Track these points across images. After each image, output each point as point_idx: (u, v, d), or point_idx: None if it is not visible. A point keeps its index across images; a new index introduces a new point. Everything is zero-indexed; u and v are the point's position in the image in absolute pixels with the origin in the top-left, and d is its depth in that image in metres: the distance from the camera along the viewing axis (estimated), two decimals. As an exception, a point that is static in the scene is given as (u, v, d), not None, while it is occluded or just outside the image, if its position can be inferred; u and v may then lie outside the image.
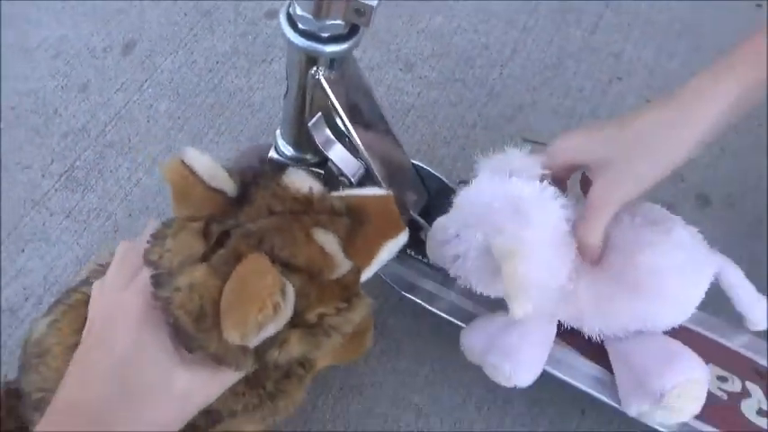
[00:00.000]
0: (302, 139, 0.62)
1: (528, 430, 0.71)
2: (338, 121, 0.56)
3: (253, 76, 0.98)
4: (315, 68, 0.52)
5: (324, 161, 0.61)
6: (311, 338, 0.44)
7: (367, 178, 0.59)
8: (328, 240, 0.44)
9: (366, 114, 0.59)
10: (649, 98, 0.96)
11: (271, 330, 0.39)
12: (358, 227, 0.47)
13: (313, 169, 0.65)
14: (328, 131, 0.57)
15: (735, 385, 0.62)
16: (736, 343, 0.65)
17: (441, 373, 0.74)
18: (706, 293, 0.79)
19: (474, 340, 0.62)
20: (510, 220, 0.52)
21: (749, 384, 0.62)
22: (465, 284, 0.58)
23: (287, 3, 0.51)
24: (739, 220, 0.84)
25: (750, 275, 0.80)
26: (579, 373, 0.62)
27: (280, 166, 0.54)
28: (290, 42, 0.50)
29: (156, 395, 0.41)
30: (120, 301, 0.43)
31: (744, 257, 0.81)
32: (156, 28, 1.03)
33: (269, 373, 0.51)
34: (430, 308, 0.65)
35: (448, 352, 0.75)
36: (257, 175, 0.47)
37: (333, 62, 0.53)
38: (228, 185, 0.45)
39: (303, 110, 0.58)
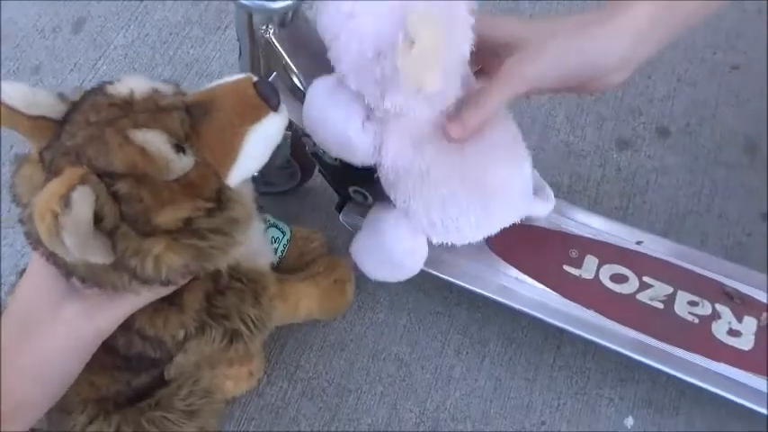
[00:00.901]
0: None
1: (506, 369, 0.73)
2: (294, 79, 0.55)
3: (208, 44, 0.97)
4: (264, 27, 0.52)
5: (290, 125, 0.61)
6: (183, 245, 0.43)
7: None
8: (151, 139, 0.41)
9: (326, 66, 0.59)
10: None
11: (69, 240, 0.37)
12: (206, 119, 0.44)
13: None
14: (286, 91, 0.57)
15: (705, 308, 0.64)
16: (703, 267, 0.67)
17: (417, 321, 0.76)
18: (669, 222, 0.82)
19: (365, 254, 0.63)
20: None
21: (719, 306, 0.64)
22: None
23: None
24: (699, 149, 0.86)
25: (711, 201, 0.83)
26: (550, 309, 0.63)
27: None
28: (237, 3, 0.50)
29: (46, 325, 0.44)
30: (30, 263, 0.47)
31: (705, 184, 0.84)
32: (105, 3, 1.00)
33: (198, 294, 0.51)
34: None
35: (423, 300, 0.77)
36: (86, 92, 0.45)
37: (283, 19, 0.52)
38: (54, 110, 0.43)
39: (256, 69, 0.57)
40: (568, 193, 0.83)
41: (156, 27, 0.99)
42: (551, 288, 0.64)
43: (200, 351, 0.53)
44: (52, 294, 0.44)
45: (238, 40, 0.56)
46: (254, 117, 0.45)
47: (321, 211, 0.83)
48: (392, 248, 0.58)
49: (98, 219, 0.39)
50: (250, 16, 0.52)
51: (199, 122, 0.44)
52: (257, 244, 0.58)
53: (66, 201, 0.36)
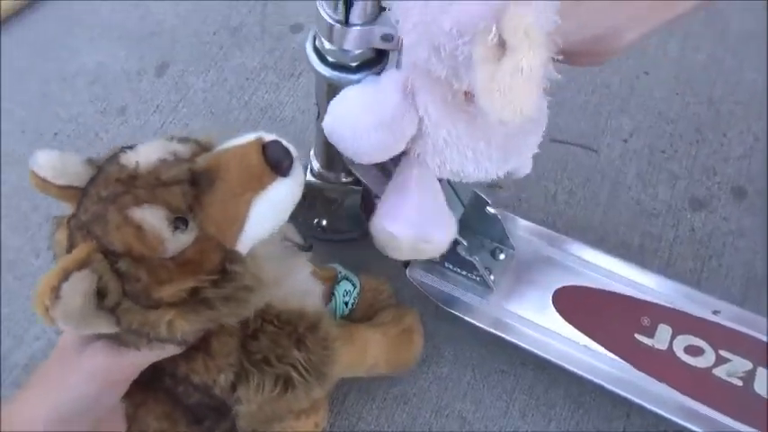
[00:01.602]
0: (334, 161, 0.63)
1: (572, 433, 0.72)
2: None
3: (282, 90, 1.01)
4: None
5: (358, 181, 0.62)
6: (193, 314, 0.44)
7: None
8: (148, 217, 0.41)
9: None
10: (678, 92, 0.95)
11: (64, 325, 0.39)
12: (210, 189, 0.43)
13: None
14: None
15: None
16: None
17: (482, 379, 0.75)
18: (746, 287, 0.79)
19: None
20: None
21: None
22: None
23: (311, 35, 0.52)
24: (777, 212, 0.84)
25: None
26: (621, 380, 0.62)
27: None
28: (318, 74, 0.51)
29: (68, 370, 0.47)
30: None
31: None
32: (188, 48, 1.06)
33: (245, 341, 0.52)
34: (471, 320, 0.66)
35: (487, 357, 0.76)
36: (106, 160, 0.46)
37: None
38: (79, 178, 0.45)
39: None
40: (640, 253, 0.82)
41: (234, 72, 1.03)
42: (622, 357, 0.63)
43: (255, 399, 0.53)
44: (76, 345, 0.47)
45: (317, 104, 0.58)
46: (259, 185, 0.44)
47: (388, 260, 0.84)
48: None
49: (101, 294, 0.41)
50: (329, 85, 0.54)
51: (204, 192, 0.44)
52: (302, 284, 0.59)
53: (56, 293, 0.38)
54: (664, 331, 0.64)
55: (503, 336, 0.65)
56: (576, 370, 0.63)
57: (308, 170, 0.68)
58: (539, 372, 0.75)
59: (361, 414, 0.74)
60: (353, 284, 0.71)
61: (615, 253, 0.76)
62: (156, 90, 1.02)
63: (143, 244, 0.42)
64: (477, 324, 0.66)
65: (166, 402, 0.54)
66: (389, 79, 0.47)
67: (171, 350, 0.48)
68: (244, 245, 0.45)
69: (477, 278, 0.66)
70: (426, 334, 0.75)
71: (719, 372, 0.61)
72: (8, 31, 1.10)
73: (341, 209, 0.73)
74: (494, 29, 0.37)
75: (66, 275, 0.39)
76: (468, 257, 0.63)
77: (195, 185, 0.44)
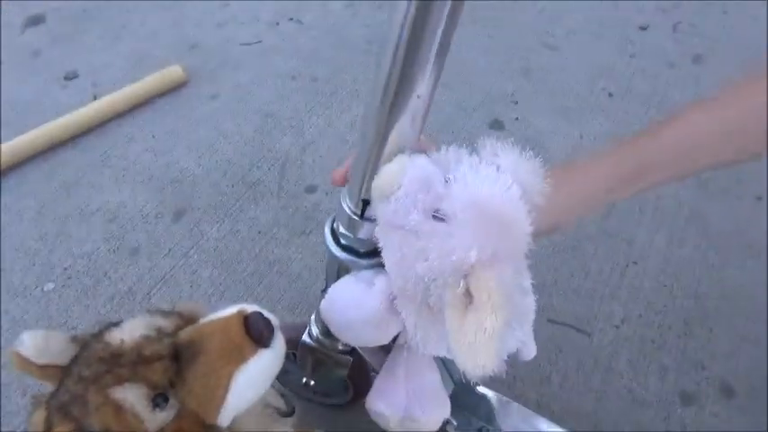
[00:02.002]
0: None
1: None
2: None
3: (292, 246, 1.05)
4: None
5: (353, 350, 0.64)
6: None
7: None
8: (130, 396, 0.42)
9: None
10: (666, 284, 1.01)
11: None
12: (192, 363, 0.44)
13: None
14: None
15: None
16: None
17: None
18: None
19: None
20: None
21: None
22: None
23: (331, 218, 0.57)
24: (764, 413, 0.85)
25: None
26: None
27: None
28: (330, 253, 0.56)
29: None
30: None
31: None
32: (206, 197, 1.12)
33: None
34: None
35: None
36: (91, 336, 0.46)
37: None
38: (62, 356, 0.45)
39: None
40: (632, 445, 0.82)
41: (247, 224, 1.09)
42: None
43: None
44: None
45: (326, 278, 0.62)
46: (240, 358, 0.44)
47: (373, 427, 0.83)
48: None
49: None
50: (340, 265, 0.58)
51: (185, 367, 0.44)
52: None
53: None
54: None
55: None
56: None
57: (307, 331, 0.70)
58: None
59: None
60: None
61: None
62: (170, 234, 1.07)
63: (122, 424, 0.42)
64: None
65: None
66: (378, 285, 0.51)
67: None
68: (224, 417, 0.45)
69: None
70: None
71: None
72: (38, 166, 1.17)
73: (331, 374, 0.74)
74: (462, 283, 0.41)
75: None
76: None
77: (177, 360, 0.44)
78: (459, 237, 0.41)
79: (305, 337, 0.70)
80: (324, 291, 0.65)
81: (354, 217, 0.52)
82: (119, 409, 0.42)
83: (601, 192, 0.51)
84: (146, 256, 1.03)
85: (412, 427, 0.56)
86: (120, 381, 0.42)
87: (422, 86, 0.42)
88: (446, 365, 0.69)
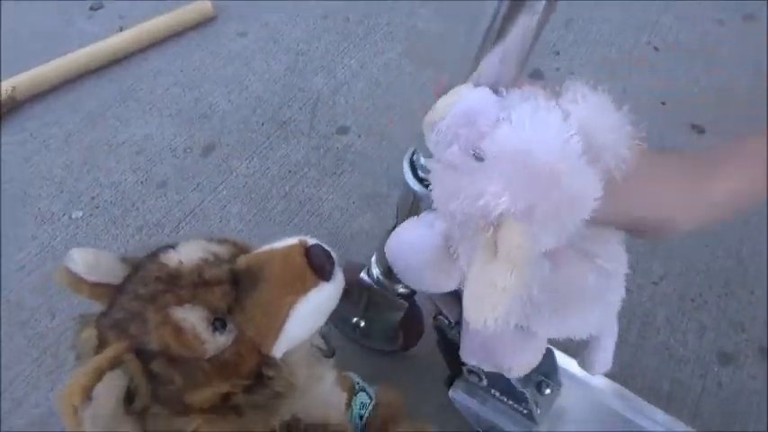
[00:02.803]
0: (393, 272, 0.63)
1: None
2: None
3: (323, 186, 1.03)
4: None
5: (413, 293, 0.62)
6: (222, 421, 0.42)
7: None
8: (188, 318, 0.40)
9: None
10: (707, 244, 0.98)
11: (91, 427, 0.36)
12: (252, 290, 0.42)
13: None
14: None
15: None
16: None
17: None
18: None
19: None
20: None
21: None
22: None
23: (411, 150, 0.54)
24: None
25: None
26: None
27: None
28: (407, 186, 0.53)
29: None
30: None
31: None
32: (235, 134, 1.10)
33: None
34: None
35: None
36: (144, 258, 0.45)
37: None
38: (112, 275, 0.44)
39: None
40: (668, 400, 0.80)
41: (278, 163, 1.06)
42: None
43: None
44: None
45: (397, 215, 0.59)
46: (301, 289, 0.43)
47: (415, 377, 0.82)
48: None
49: (130, 397, 0.39)
50: (415, 199, 0.55)
51: (245, 293, 0.43)
52: (327, 394, 0.56)
53: (88, 394, 0.36)
54: None
55: None
56: None
57: (366, 270, 0.68)
58: None
59: None
60: (370, 397, 0.68)
61: (645, 396, 0.75)
62: (198, 169, 1.04)
63: (182, 344, 0.40)
64: None
65: None
66: (437, 227, 0.47)
67: None
68: (280, 349, 0.44)
69: (524, 410, 0.64)
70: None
71: None
72: (63, 96, 1.14)
73: (383, 318, 0.72)
74: (491, 231, 0.37)
75: (99, 376, 0.37)
76: (519, 388, 0.61)
77: (235, 286, 0.43)
78: (492, 181, 0.37)
79: (363, 276, 0.68)
80: (391, 230, 0.62)
81: None
82: (179, 329, 0.40)
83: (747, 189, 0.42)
84: (174, 190, 1.01)
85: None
86: (179, 301, 0.41)
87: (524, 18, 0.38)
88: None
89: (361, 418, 0.66)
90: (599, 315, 0.48)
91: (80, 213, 0.96)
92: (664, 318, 0.88)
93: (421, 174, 0.52)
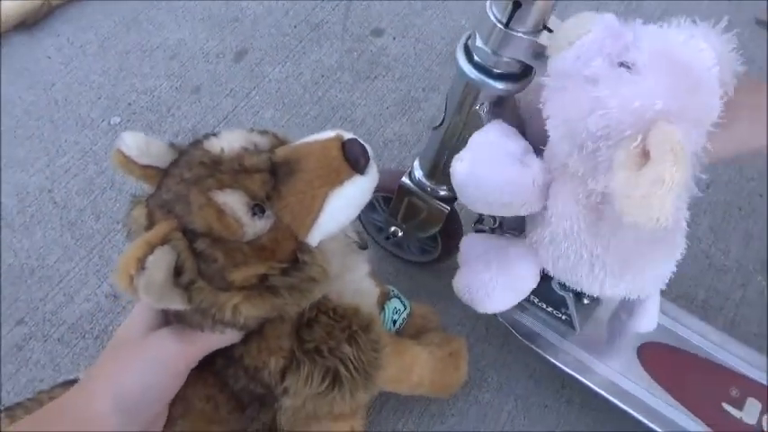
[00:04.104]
0: (439, 172, 0.62)
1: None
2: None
3: (356, 91, 1.01)
4: (480, 103, 0.53)
5: (454, 197, 0.61)
6: (258, 299, 0.44)
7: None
8: (230, 201, 0.42)
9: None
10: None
11: (146, 297, 0.40)
12: (289, 179, 0.44)
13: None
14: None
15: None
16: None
17: (524, 410, 0.73)
18: None
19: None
20: None
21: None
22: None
23: (466, 34, 0.51)
24: None
25: None
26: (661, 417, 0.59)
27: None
28: (461, 72, 0.51)
29: (132, 348, 0.46)
30: None
31: None
32: (267, 38, 1.07)
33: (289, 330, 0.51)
34: (550, 359, 0.64)
35: (532, 389, 0.74)
36: (189, 144, 0.47)
37: (498, 100, 0.53)
38: (161, 160, 0.46)
39: (451, 142, 0.58)
40: (703, 308, 0.79)
41: (310, 68, 1.04)
42: (706, 423, 0.59)
43: (302, 392, 0.52)
44: (145, 321, 0.47)
45: (445, 109, 0.57)
46: (336, 180, 0.45)
47: (444, 286, 0.82)
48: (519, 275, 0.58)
49: (177, 272, 0.42)
50: (470, 89, 0.53)
51: (282, 182, 0.45)
52: (359, 283, 0.58)
53: (141, 264, 0.39)
54: (753, 406, 0.60)
55: (585, 382, 0.62)
56: (658, 428, 0.59)
57: (408, 173, 0.67)
58: (584, 412, 0.72)
59: (396, 426, 0.73)
60: (404, 305, 0.69)
61: (678, 304, 0.74)
62: (231, 74, 1.03)
63: (223, 226, 0.42)
64: (556, 363, 0.64)
65: (213, 385, 0.53)
66: (534, 168, 0.49)
67: (230, 337, 0.49)
68: (314, 237, 0.46)
69: (563, 317, 0.64)
70: (472, 357, 0.73)
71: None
72: (95, 1, 1.13)
73: (422, 224, 0.71)
74: (639, 138, 0.39)
75: (151, 249, 0.40)
76: (560, 292, 0.61)
77: (274, 175, 0.45)
78: (646, 84, 0.40)
79: (405, 179, 0.67)
80: (438, 126, 0.60)
81: (499, 25, 0.47)
82: (220, 211, 0.42)
83: None
84: (208, 95, 1.01)
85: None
86: (221, 185, 0.43)
87: None
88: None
89: (394, 323, 0.68)
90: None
91: (118, 119, 0.98)
92: (707, 226, 0.85)
93: (477, 58, 0.50)
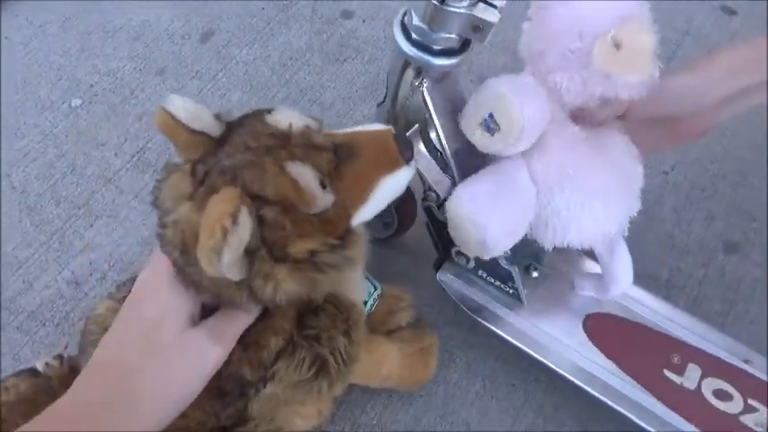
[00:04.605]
0: None
1: (577, 458, 0.70)
2: (432, 135, 0.55)
3: (325, 74, 0.99)
4: (420, 80, 0.53)
5: None
6: (303, 275, 0.44)
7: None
8: (303, 173, 0.43)
9: (459, 128, 0.59)
10: (725, 132, 0.93)
11: (228, 256, 0.39)
12: (349, 162, 0.47)
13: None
14: (422, 145, 0.57)
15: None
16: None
17: (492, 390, 0.74)
18: None
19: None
20: None
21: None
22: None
23: (402, 11, 0.51)
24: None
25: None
26: (646, 413, 0.60)
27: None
28: (399, 50, 0.50)
29: (174, 352, 0.44)
30: (154, 266, 0.47)
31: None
32: (235, 19, 1.05)
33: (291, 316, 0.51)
34: (497, 331, 0.65)
35: (499, 370, 0.74)
36: (243, 117, 0.47)
37: (439, 75, 0.53)
38: (212, 127, 0.45)
39: (396, 119, 0.58)
40: (666, 287, 0.80)
41: (278, 49, 1.02)
42: (648, 390, 0.61)
43: (287, 377, 0.52)
44: (180, 320, 0.45)
45: (386, 86, 0.57)
46: (390, 167, 0.48)
47: (409, 262, 0.82)
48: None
49: None
50: (406, 66, 0.53)
51: (342, 163, 0.47)
52: (358, 279, 0.59)
53: (234, 219, 0.38)
54: (693, 371, 0.62)
55: (528, 350, 0.63)
56: (599, 395, 0.61)
57: None
58: (550, 391, 0.73)
59: (365, 408, 0.72)
60: (375, 286, 0.69)
61: (641, 284, 0.75)
62: (197, 56, 1.01)
63: (298, 195, 0.43)
64: (503, 335, 0.65)
65: None
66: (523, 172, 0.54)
67: (251, 319, 0.48)
68: (357, 220, 0.48)
69: (510, 290, 0.65)
70: (441, 338, 0.73)
71: (747, 420, 0.59)
72: (58, -22, 1.09)
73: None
74: (612, 31, 0.48)
75: (238, 207, 0.39)
76: (506, 267, 0.61)
77: (336, 155, 0.47)
78: None
79: None
80: (381, 103, 0.60)
81: (434, 1, 0.47)
82: (294, 181, 0.43)
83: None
84: (173, 77, 0.98)
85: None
86: (293, 158, 0.44)
87: None
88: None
89: (365, 305, 0.68)
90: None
91: (79, 101, 0.95)
92: (671, 208, 0.86)
93: (415, 36, 0.49)
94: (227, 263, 0.39)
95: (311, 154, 0.45)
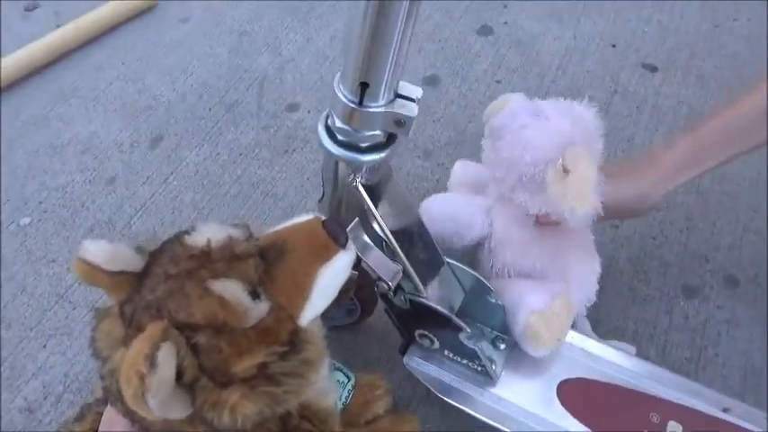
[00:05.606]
0: None
1: None
2: (374, 226, 0.56)
3: (275, 166, 1.01)
4: (352, 176, 0.53)
5: (358, 263, 0.61)
6: (258, 392, 0.42)
7: (404, 280, 0.59)
8: (228, 288, 0.42)
9: (399, 214, 0.59)
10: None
11: (154, 399, 0.37)
12: (280, 262, 0.45)
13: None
14: (365, 236, 0.57)
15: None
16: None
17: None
18: (745, 378, 0.77)
19: None
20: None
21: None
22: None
23: (324, 114, 0.52)
24: (769, 301, 0.83)
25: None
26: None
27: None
28: (327, 152, 0.51)
29: None
30: (110, 419, 0.47)
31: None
32: (183, 123, 1.07)
33: None
34: (468, 411, 0.63)
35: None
36: (164, 243, 0.46)
37: (370, 169, 0.54)
38: (133, 263, 0.44)
39: (338, 214, 0.58)
40: (634, 339, 0.80)
41: (228, 147, 1.04)
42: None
43: None
44: None
45: (323, 184, 0.58)
46: (325, 256, 0.46)
47: (377, 347, 0.81)
48: None
49: (178, 373, 0.39)
50: (337, 164, 0.54)
51: (272, 266, 0.45)
52: (324, 382, 0.56)
53: (151, 361, 0.36)
54: (674, 428, 0.61)
55: (502, 428, 0.61)
56: None
57: None
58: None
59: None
60: (348, 377, 0.67)
61: (611, 338, 0.75)
62: (147, 162, 1.02)
63: (228, 312, 0.41)
64: (476, 415, 0.63)
65: None
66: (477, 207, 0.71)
67: None
68: (307, 316, 0.46)
69: (479, 367, 0.63)
70: (417, 419, 0.71)
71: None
72: (2, 99, 1.10)
73: (336, 298, 0.71)
74: (560, 159, 0.60)
75: (156, 345, 0.37)
76: (471, 346, 0.60)
77: (263, 259, 0.45)
78: (556, 123, 0.63)
79: None
80: (321, 200, 0.61)
81: (352, 105, 0.48)
82: (221, 299, 0.41)
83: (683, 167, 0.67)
84: (123, 185, 0.99)
85: None
86: (215, 275, 0.42)
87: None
88: (456, 275, 0.66)
89: (339, 398, 0.66)
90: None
91: (28, 220, 0.94)
92: (626, 260, 0.88)
93: (340, 137, 0.50)
94: (156, 406, 0.37)
95: (235, 266, 0.43)
